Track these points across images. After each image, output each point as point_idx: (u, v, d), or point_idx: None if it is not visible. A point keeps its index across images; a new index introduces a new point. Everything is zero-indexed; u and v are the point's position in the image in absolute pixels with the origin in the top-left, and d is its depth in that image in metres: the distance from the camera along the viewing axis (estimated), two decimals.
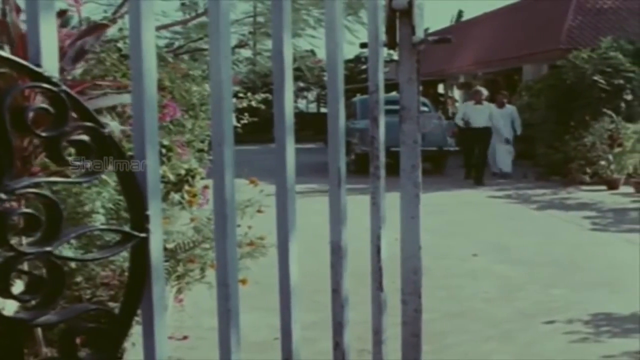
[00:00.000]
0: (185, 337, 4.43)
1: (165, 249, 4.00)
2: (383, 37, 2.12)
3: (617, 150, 12.67)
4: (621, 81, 14.89)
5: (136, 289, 1.46)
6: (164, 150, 4.08)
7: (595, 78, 14.61)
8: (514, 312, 5.17)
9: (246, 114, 6.06)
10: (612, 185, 12.57)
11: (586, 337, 4.59)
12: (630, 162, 12.37)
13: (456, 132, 17.38)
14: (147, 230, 1.44)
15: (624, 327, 4.77)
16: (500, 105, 15.11)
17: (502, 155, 15.20)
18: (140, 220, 1.44)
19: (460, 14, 42.98)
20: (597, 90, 14.51)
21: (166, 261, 4.03)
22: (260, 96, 6.03)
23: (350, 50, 31.00)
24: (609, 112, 13.54)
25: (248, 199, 4.39)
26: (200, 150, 5.16)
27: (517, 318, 5.02)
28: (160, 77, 4.64)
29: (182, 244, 4.06)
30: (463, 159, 15.32)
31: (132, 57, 1.44)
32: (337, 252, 2.08)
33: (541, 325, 4.84)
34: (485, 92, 14.95)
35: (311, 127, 25.07)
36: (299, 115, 29.42)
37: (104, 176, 2.86)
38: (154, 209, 1.46)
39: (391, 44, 2.13)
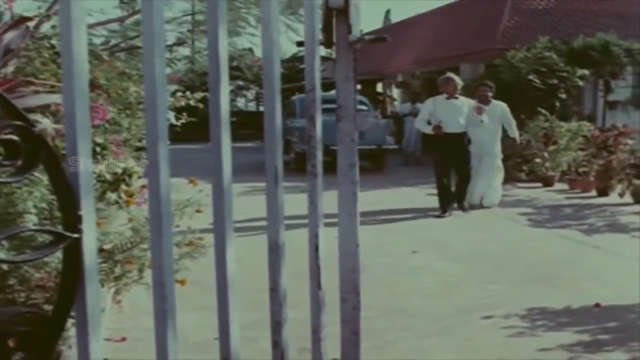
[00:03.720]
0: (123, 339, 4.37)
1: (103, 249, 3.93)
2: (320, 35, 2.13)
3: (551, 148, 12.94)
4: (555, 81, 15.24)
5: (69, 291, 1.44)
6: (99, 149, 4.02)
7: (531, 77, 14.93)
8: (453, 308, 5.24)
9: (185, 113, 6.00)
10: (547, 182, 12.85)
11: (523, 331, 4.68)
12: (564, 159, 12.66)
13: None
14: (79, 231, 1.42)
15: (558, 320, 4.88)
16: (485, 102, 10.29)
17: (487, 176, 10.39)
18: (72, 221, 1.41)
19: (388, 13, 43.61)
20: (533, 90, 14.83)
21: (103, 262, 3.97)
22: (199, 95, 5.98)
23: (290, 49, 31.05)
24: (544, 110, 13.83)
25: (187, 198, 4.35)
26: (138, 149, 5.09)
27: (456, 314, 5.09)
28: (96, 76, 4.57)
29: (119, 245, 4.00)
30: (435, 182, 10.11)
31: (63, 55, 1.41)
32: (275, 251, 2.08)
33: (479, 321, 4.91)
34: (459, 80, 10.19)
35: (250, 125, 24.97)
36: (238, 114, 29.37)
37: (37, 174, 2.80)
38: (87, 209, 1.43)
39: (328, 43, 2.14)
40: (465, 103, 10.02)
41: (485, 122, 9.97)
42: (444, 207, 9.76)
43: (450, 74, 10.30)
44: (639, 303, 5.27)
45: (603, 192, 11.38)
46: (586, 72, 15.80)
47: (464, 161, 10.05)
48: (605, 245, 7.48)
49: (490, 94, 10.51)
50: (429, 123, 9.93)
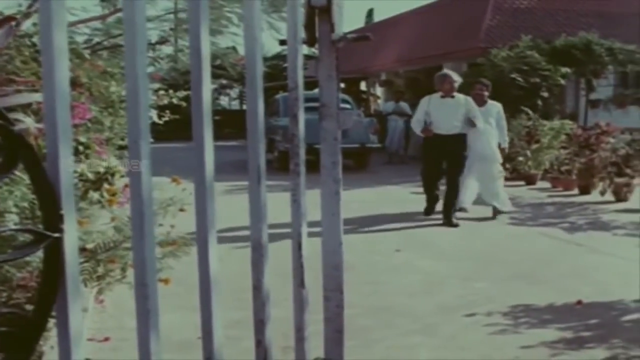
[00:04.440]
0: (106, 339, 4.35)
1: (85, 249, 3.91)
2: (302, 34, 2.13)
3: (534, 146, 13.01)
4: (538, 79, 15.32)
5: (50, 291, 1.43)
6: (81, 148, 3.99)
7: (513, 76, 15.00)
8: (436, 306, 5.26)
9: (167, 112, 5.99)
10: (530, 180, 12.92)
11: (505, 328, 4.70)
12: (546, 157, 12.72)
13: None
14: (60, 230, 1.41)
15: (541, 317, 4.91)
16: (480, 103, 9.44)
17: (486, 182, 9.46)
18: (53, 220, 1.40)
19: (370, 12, 43.78)
20: (515, 88, 14.90)
21: (86, 262, 3.95)
22: (182, 93, 5.97)
23: (274, 48, 31.00)
24: (527, 109, 13.90)
25: (170, 197, 4.34)
26: (121, 148, 5.06)
27: (439, 312, 5.11)
28: (78, 74, 4.53)
29: (102, 244, 3.98)
30: (423, 184, 9.66)
31: (43, 53, 1.40)
32: (258, 250, 2.07)
33: (463, 318, 4.93)
34: (457, 77, 9.31)
35: (234, 124, 24.92)
36: (222, 113, 29.30)
37: (18, 173, 2.78)
38: (68, 208, 1.42)
39: (310, 41, 2.13)
40: (462, 103, 9.01)
41: (480, 126, 9.04)
42: (429, 208, 9.42)
43: (447, 71, 9.48)
44: (621, 300, 5.31)
45: (585, 191, 11.46)
46: (568, 70, 15.88)
47: (455, 169, 9.03)
48: (587, 243, 7.54)
49: (486, 93, 9.65)
50: (425, 123, 9.02)
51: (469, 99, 9.10)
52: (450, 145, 8.86)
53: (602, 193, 10.81)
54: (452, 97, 9.01)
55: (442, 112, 8.91)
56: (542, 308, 5.14)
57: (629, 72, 18.36)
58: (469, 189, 9.39)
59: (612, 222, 8.95)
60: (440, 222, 8.83)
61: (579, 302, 5.23)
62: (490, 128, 9.37)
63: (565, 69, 15.68)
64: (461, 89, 9.53)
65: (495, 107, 9.71)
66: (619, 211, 9.79)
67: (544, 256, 6.95)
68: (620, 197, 10.62)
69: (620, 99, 18.37)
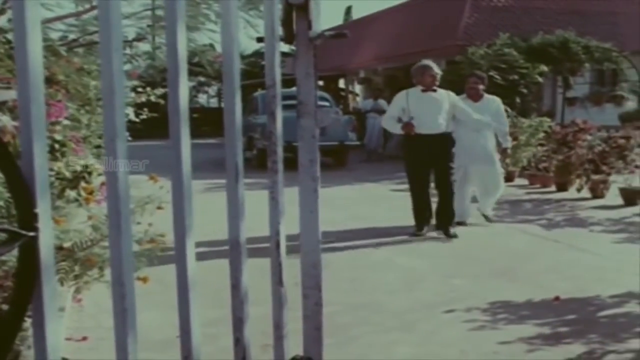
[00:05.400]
0: (84, 338, 4.32)
1: (62, 248, 3.88)
2: (280, 31, 2.12)
3: (512, 144, 13.07)
4: (515, 77, 15.43)
5: (25, 290, 1.42)
6: (58, 146, 3.96)
7: (491, 74, 15.08)
8: (415, 302, 5.28)
9: (145, 109, 5.96)
10: (508, 177, 12.95)
11: (484, 324, 4.73)
12: (524, 155, 12.79)
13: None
14: (35, 229, 1.39)
15: (519, 314, 4.94)
16: (476, 97, 8.54)
17: (484, 187, 8.66)
18: (28, 219, 1.39)
19: (349, 9, 43.87)
20: (493, 86, 14.97)
21: (63, 261, 3.92)
22: (159, 91, 5.94)
23: (252, 45, 30.92)
24: (505, 106, 13.96)
25: (148, 195, 4.32)
26: (98, 146, 5.03)
27: (418, 308, 5.12)
28: (54, 72, 4.50)
29: (79, 243, 3.95)
30: (411, 197, 8.04)
31: (16, 51, 1.38)
32: (236, 248, 2.07)
33: (442, 315, 4.95)
34: (438, 70, 8.02)
35: (212, 122, 24.85)
36: (200, 110, 29.20)
37: None
38: (43, 207, 1.41)
39: (288, 39, 2.13)
40: (446, 97, 7.91)
41: (473, 119, 8.10)
42: (419, 225, 7.94)
43: (426, 61, 8.11)
44: (597, 296, 5.36)
45: (562, 187, 11.55)
46: (545, 68, 16.00)
47: (444, 172, 7.91)
48: (564, 239, 7.59)
49: (481, 87, 8.65)
50: (400, 121, 7.85)
51: (452, 93, 8.04)
52: (436, 147, 7.73)
53: (579, 190, 10.90)
54: (434, 91, 7.87)
55: (423, 109, 7.74)
56: (520, 304, 5.17)
57: (604, 70, 18.56)
58: (468, 199, 8.56)
59: (589, 218, 9.03)
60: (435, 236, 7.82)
61: (557, 298, 5.27)
62: (486, 126, 8.43)
63: (542, 67, 15.79)
64: (441, 86, 8.30)
65: (494, 102, 8.73)
66: (596, 208, 9.89)
67: (522, 253, 6.99)
68: (596, 193, 10.72)
69: (597, 97, 18.56)
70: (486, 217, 8.71)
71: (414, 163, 7.91)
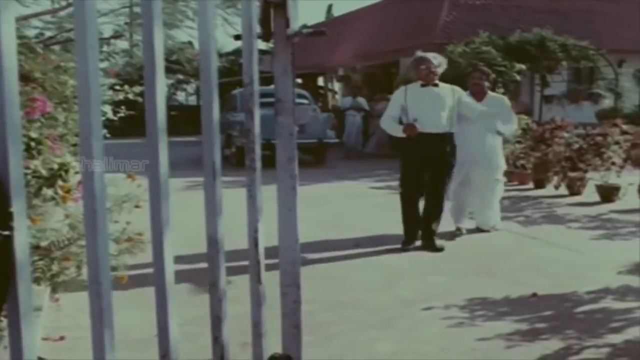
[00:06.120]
0: (62, 338, 4.29)
1: (39, 247, 3.85)
2: (258, 28, 2.12)
3: None
4: (494, 75, 15.47)
5: (0, 290, 1.40)
6: (34, 144, 3.93)
7: (470, 72, 15.12)
8: (394, 300, 5.29)
9: (123, 107, 5.92)
10: None
11: (462, 321, 4.75)
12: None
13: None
14: (10, 228, 1.38)
15: (497, 310, 4.97)
16: (480, 95, 7.75)
17: (482, 194, 7.89)
18: (2, 218, 1.38)
19: (330, 7, 44.09)
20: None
21: (40, 260, 3.89)
22: (137, 89, 5.90)
23: (232, 43, 30.88)
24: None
25: (125, 193, 4.29)
26: (75, 145, 4.99)
27: (397, 305, 5.14)
28: (31, 69, 4.46)
29: (56, 242, 3.93)
30: (402, 203, 7.22)
31: None
32: (214, 246, 2.06)
33: (420, 312, 4.97)
34: (437, 60, 7.15)
35: (191, 120, 24.76)
36: (179, 108, 29.08)
37: None
38: (18, 206, 1.40)
39: (266, 36, 2.12)
40: (449, 93, 7.12)
41: (477, 114, 7.39)
42: (410, 237, 7.15)
43: (421, 53, 7.37)
44: (574, 292, 5.41)
45: (540, 185, 11.63)
46: (523, 66, 16.08)
47: (440, 177, 7.16)
48: (542, 236, 7.65)
49: (487, 84, 7.91)
50: (401, 122, 7.08)
51: (457, 88, 7.29)
52: (436, 148, 6.97)
53: (557, 187, 10.98)
54: (436, 85, 7.08)
55: (423, 105, 6.97)
56: (498, 301, 5.20)
57: (581, 68, 18.70)
58: (466, 203, 7.97)
59: (566, 215, 9.10)
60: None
61: (534, 295, 5.31)
62: (491, 126, 7.71)
63: (520, 65, 15.86)
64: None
65: (500, 100, 8.00)
66: (573, 205, 9.97)
67: (500, 250, 7.03)
68: (574, 190, 10.81)
69: (574, 95, 18.69)
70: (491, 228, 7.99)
71: (410, 166, 7.10)
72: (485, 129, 7.66)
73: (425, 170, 7.08)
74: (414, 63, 7.23)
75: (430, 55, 7.19)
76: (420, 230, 7.20)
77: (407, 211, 7.19)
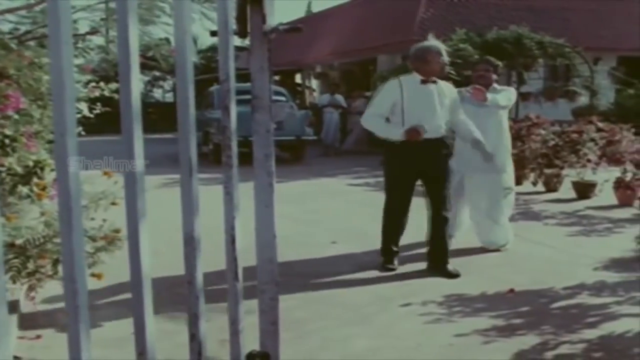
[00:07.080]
0: (38, 337, 4.26)
1: (14, 245, 3.82)
2: (234, 25, 2.11)
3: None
4: (470, 72, 15.53)
5: None
6: (8, 142, 3.89)
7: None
8: (372, 296, 5.30)
9: (99, 104, 5.86)
10: None
11: (440, 317, 4.77)
12: None
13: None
14: None
15: (474, 306, 4.99)
16: (486, 88, 6.61)
17: (488, 204, 6.72)
18: None
19: (309, 4, 44.31)
20: (449, 81, 15.07)
21: (15, 258, 3.86)
22: (113, 85, 5.85)
23: (209, 40, 30.72)
24: None
25: (102, 190, 4.27)
26: (51, 142, 4.95)
27: (375, 302, 5.15)
28: (5, 66, 4.41)
29: (32, 240, 3.89)
30: (384, 215, 6.18)
31: None
32: (190, 243, 2.05)
33: (398, 308, 4.99)
34: (446, 55, 6.05)
35: (168, 117, 24.64)
36: (156, 105, 28.90)
37: None
38: None
39: (242, 33, 2.12)
40: (447, 91, 6.02)
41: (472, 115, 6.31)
42: (390, 256, 6.13)
43: (433, 41, 6.13)
44: (551, 288, 5.45)
45: (516, 181, 11.66)
46: (500, 64, 16.13)
47: (442, 190, 5.97)
48: (518, 232, 7.68)
49: (494, 77, 6.93)
50: (388, 120, 5.95)
51: (450, 85, 6.25)
52: (436, 156, 5.90)
53: (534, 184, 11.05)
54: (434, 82, 5.94)
55: (421, 105, 5.84)
56: (475, 297, 5.23)
57: (558, 66, 18.80)
58: (461, 211, 6.95)
59: (543, 212, 9.17)
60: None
61: (511, 291, 5.34)
62: (498, 122, 6.72)
63: (497, 62, 15.91)
64: None
65: (507, 92, 6.89)
66: (550, 201, 10.05)
67: (477, 246, 7.06)
68: (550, 187, 10.89)
69: (550, 92, 18.78)
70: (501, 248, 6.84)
71: (400, 174, 5.98)
72: (488, 126, 6.54)
73: (414, 180, 6.01)
74: (423, 52, 5.92)
75: (440, 45, 6.06)
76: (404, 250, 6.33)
77: (390, 227, 6.13)
